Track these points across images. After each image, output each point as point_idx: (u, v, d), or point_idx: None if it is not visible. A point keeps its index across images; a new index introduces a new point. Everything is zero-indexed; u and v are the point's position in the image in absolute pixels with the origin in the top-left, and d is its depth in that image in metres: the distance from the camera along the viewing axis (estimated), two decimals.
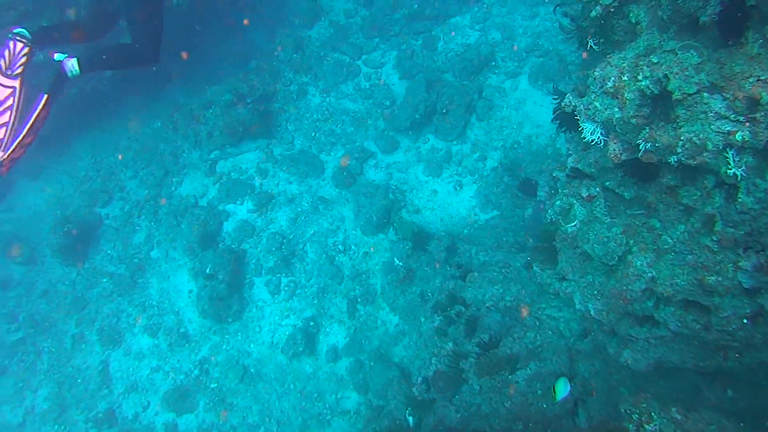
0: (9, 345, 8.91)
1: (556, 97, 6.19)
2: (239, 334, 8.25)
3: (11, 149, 5.82)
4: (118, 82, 9.60)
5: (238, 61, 10.47)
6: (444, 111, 8.76)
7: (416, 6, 10.13)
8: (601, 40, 4.87)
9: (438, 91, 8.85)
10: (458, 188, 8.50)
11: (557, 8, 5.41)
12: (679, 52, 4.03)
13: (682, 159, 3.98)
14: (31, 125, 5.90)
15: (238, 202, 8.99)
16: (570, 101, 4.90)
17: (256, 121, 9.21)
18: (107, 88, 9.49)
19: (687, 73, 3.93)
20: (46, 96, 5.93)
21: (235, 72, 10.21)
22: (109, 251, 9.20)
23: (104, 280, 8.98)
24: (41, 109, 5.93)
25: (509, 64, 9.35)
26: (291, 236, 8.62)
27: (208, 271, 8.23)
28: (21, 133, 5.82)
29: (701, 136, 3.84)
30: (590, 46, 4.94)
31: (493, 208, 8.21)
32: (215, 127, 9.18)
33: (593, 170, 5.21)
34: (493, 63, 9.40)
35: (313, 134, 9.40)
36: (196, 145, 9.53)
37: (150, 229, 9.16)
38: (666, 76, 3.95)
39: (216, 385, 8.04)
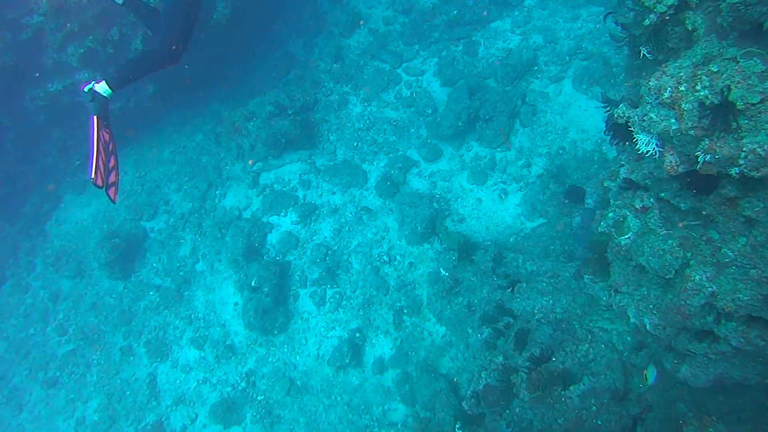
0: (60, 357, 9.07)
1: (605, 105, 6.02)
2: (285, 346, 8.24)
3: (93, 175, 5.95)
4: (161, 97, 9.68)
5: (278, 73, 10.50)
6: (487, 118, 8.64)
7: (455, 12, 10.03)
8: (655, 49, 4.71)
9: (480, 97, 8.74)
10: (503, 196, 8.37)
11: (607, 16, 5.23)
12: (741, 60, 3.86)
13: (745, 171, 3.79)
14: (97, 148, 6.00)
15: (281, 213, 9.00)
16: (623, 112, 4.73)
17: (298, 133, 9.19)
18: (150, 104, 9.58)
19: (750, 81, 3.75)
20: (95, 117, 5.99)
21: (276, 84, 10.26)
22: (154, 264, 9.30)
23: (151, 293, 9.08)
24: (97, 131, 6.02)
25: (552, 68, 9.18)
26: (335, 247, 8.58)
27: (253, 283, 8.24)
28: (92, 158, 5.93)
29: (766, 147, 3.67)
30: (643, 54, 4.78)
31: (540, 216, 8.06)
32: (257, 139, 9.20)
33: (647, 181, 5.04)
34: (536, 67, 9.24)
35: (355, 144, 9.37)
36: (239, 158, 9.57)
37: (195, 242, 9.23)
38: (727, 86, 3.79)
39: (263, 397, 8.03)
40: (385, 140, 9.29)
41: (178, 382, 8.42)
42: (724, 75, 3.85)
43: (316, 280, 8.40)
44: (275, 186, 9.25)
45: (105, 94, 5.88)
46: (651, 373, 5.20)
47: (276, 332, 8.29)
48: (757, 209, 4.15)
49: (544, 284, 6.86)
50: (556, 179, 8.09)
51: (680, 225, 4.84)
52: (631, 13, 4.67)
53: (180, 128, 10.37)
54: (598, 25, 9.42)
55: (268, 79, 10.47)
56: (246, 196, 9.32)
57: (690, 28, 4.35)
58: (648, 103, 4.43)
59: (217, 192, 9.51)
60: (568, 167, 8.17)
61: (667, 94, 4.18)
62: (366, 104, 9.79)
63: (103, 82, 5.87)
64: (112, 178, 6.33)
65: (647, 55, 4.79)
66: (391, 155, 9.09)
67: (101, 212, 10.04)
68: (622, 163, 5.35)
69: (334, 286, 8.37)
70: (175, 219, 9.52)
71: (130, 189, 10.01)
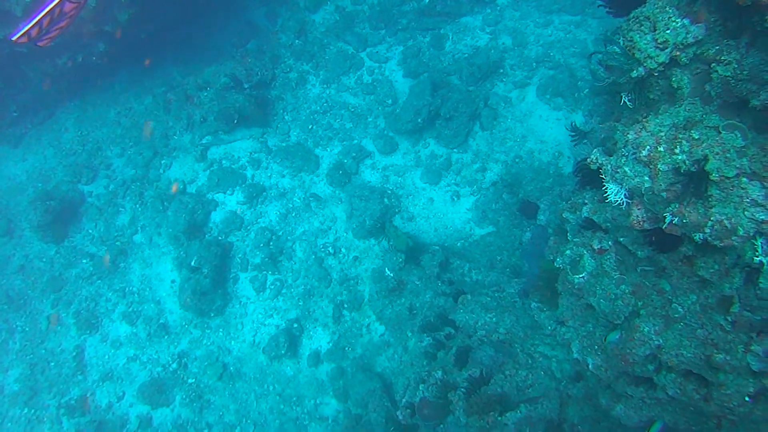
0: None
1: (573, 134, 5.97)
2: (221, 330, 8.07)
3: (24, 29, 5.68)
4: (112, 55, 9.19)
5: (238, 40, 10.09)
6: (448, 117, 8.50)
7: (427, 1, 9.78)
8: (636, 98, 4.68)
9: (443, 95, 8.58)
10: (455, 199, 8.30)
11: (592, 56, 5.14)
12: (723, 132, 3.87)
13: (709, 238, 3.83)
14: (40, 19, 5.73)
15: (228, 192, 8.73)
16: (596, 158, 4.70)
17: (252, 109, 8.89)
18: (99, 61, 9.08)
19: (728, 155, 3.78)
20: None
21: (234, 53, 9.87)
22: (90, 231, 8.95)
23: (84, 260, 8.74)
24: (53, 7, 5.74)
25: (518, 72, 9.08)
26: (280, 233, 8.40)
27: (193, 263, 8.00)
28: (29, 22, 5.67)
29: (733, 220, 3.71)
30: (624, 101, 4.73)
31: (490, 224, 8.03)
32: (210, 111, 8.87)
33: (608, 224, 5.03)
34: (501, 70, 9.12)
35: (310, 127, 9.12)
36: (189, 128, 9.22)
37: (135, 212, 8.91)
38: (706, 155, 3.79)
39: (194, 380, 7.88)
40: (341, 126, 9.07)
41: (106, 357, 8.17)
42: (704, 144, 3.87)
43: (257, 265, 8.22)
44: (224, 162, 8.96)
45: None
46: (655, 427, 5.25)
47: (212, 315, 8.11)
48: (711, 271, 4.22)
49: (489, 299, 6.85)
50: (510, 189, 8.06)
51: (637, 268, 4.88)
52: (619, 58, 4.59)
53: (128, 88, 9.91)
54: (568, 35, 9.33)
55: (227, 45, 10.06)
56: (192, 169, 9.00)
57: (675, 86, 4.33)
58: (623, 155, 4.42)
59: (163, 161, 9.15)
60: (523, 177, 8.12)
61: (645, 152, 4.19)
62: (325, 86, 9.51)
63: None
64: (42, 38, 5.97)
65: (627, 103, 4.77)
66: (345, 143, 8.89)
67: (37, 169, 9.56)
68: (585, 201, 5.31)
69: (276, 273, 8.21)
70: (116, 185, 9.14)
71: (70, 148, 9.56)
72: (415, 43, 9.68)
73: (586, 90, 8.71)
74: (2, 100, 9.62)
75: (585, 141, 6.47)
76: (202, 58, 9.83)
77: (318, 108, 9.28)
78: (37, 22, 5.68)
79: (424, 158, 8.63)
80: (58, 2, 5.67)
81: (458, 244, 8.04)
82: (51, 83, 9.46)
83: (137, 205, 8.91)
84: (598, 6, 5.12)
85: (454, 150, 8.62)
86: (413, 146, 8.74)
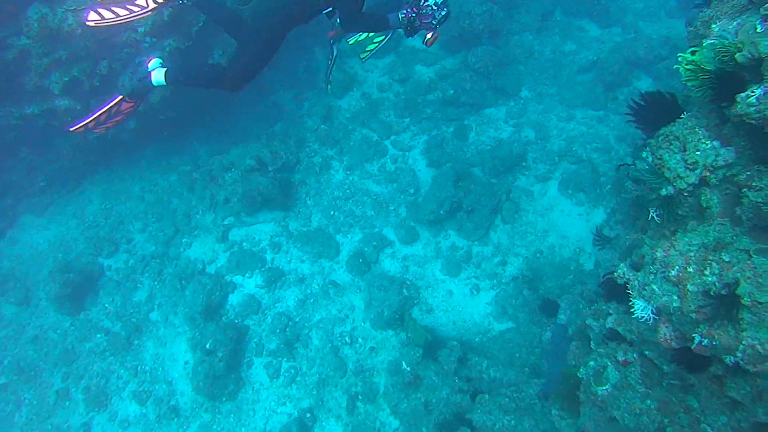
0: None
1: (598, 239, 5.98)
2: (232, 415, 7.92)
3: (83, 122, 5.82)
4: (141, 131, 9.36)
5: (264, 122, 10.28)
6: (470, 209, 8.55)
7: (451, 91, 9.97)
8: (665, 214, 4.69)
9: (465, 187, 8.64)
10: (475, 292, 8.25)
11: (621, 167, 5.20)
12: (755, 256, 3.84)
13: (741, 362, 3.77)
14: (99, 114, 5.82)
15: (247, 274, 8.72)
16: (624, 273, 4.69)
17: (276, 192, 8.97)
18: (128, 137, 9.25)
19: (761, 279, 3.74)
20: (120, 97, 5.83)
21: (260, 133, 10.02)
22: (107, 305, 8.91)
23: (98, 335, 8.67)
24: (112, 106, 5.85)
25: (540, 166, 9.16)
26: (297, 319, 8.34)
27: (208, 346, 7.93)
28: (93, 114, 5.79)
29: (766, 345, 3.64)
30: (652, 216, 4.75)
31: (509, 320, 7.95)
32: (233, 192, 8.95)
33: (634, 337, 4.98)
34: (524, 163, 9.21)
35: (331, 212, 9.17)
36: (212, 208, 9.29)
37: (152, 289, 8.88)
38: (737, 279, 3.76)
39: None
40: (362, 213, 9.12)
41: None
42: (735, 267, 3.83)
43: (272, 351, 8.13)
44: (244, 244, 8.98)
45: (155, 83, 5.68)
46: None
47: (224, 399, 7.97)
48: (743, 392, 4.11)
49: (507, 400, 6.72)
50: (531, 284, 8.01)
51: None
52: (650, 174, 4.62)
53: (155, 164, 10.05)
54: (590, 130, 9.44)
55: (254, 127, 10.23)
56: (213, 249, 9.02)
57: (704, 205, 4.34)
58: (652, 273, 4.40)
59: (184, 240, 9.19)
60: (543, 273, 8.08)
61: (674, 272, 4.17)
62: (349, 172, 9.61)
63: (163, 71, 5.66)
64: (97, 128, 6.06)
65: (656, 218, 4.77)
66: (366, 231, 8.91)
67: (59, 239, 9.61)
68: (610, 311, 5.26)
69: (291, 360, 8.10)
70: (136, 260, 9.16)
71: (93, 220, 9.64)
72: (438, 132, 9.82)
73: (609, 186, 8.75)
74: (32, 170, 9.77)
75: (609, 246, 6.48)
76: (229, 138, 9.99)
77: (340, 194, 9.35)
78: (94, 118, 5.82)
79: (445, 250, 8.63)
80: (117, 102, 5.82)
81: (476, 339, 7.94)
82: (80, 156, 9.65)
83: (155, 282, 8.91)
84: (625, 115, 5.16)
85: (475, 243, 8.62)
86: (434, 237, 8.75)
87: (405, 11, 5.20)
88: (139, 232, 9.44)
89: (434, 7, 5.17)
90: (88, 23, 5.52)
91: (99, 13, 5.54)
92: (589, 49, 10.68)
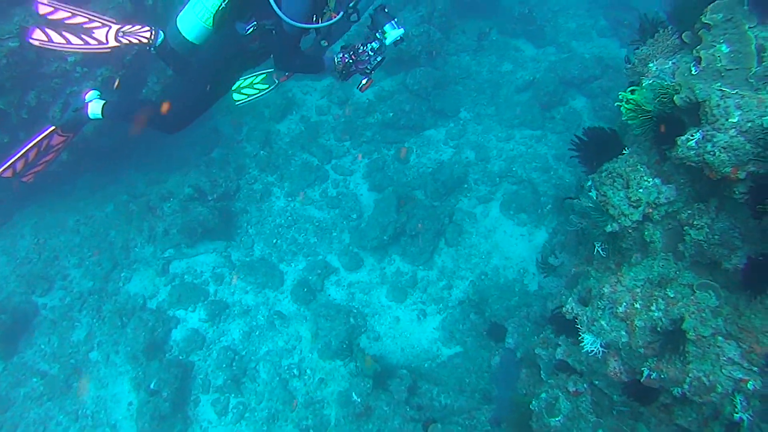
0: None
1: (543, 267, 6.06)
2: None
3: (10, 161, 5.57)
4: (74, 163, 9.04)
5: (202, 148, 10.07)
6: (413, 233, 8.56)
7: (391, 114, 9.97)
8: (609, 248, 4.80)
9: (408, 211, 8.66)
10: (422, 317, 8.26)
11: (565, 200, 5.28)
12: (698, 292, 4.00)
13: (688, 394, 3.91)
14: (28, 149, 5.59)
15: (189, 308, 8.51)
16: (572, 309, 4.78)
17: (216, 222, 8.80)
18: (60, 170, 8.92)
19: (704, 314, 3.92)
20: (52, 128, 5.60)
21: (198, 159, 9.83)
22: (42, 346, 8.55)
23: (34, 379, 8.31)
24: (42, 138, 5.60)
25: (482, 187, 9.25)
26: (243, 352, 8.18)
27: (152, 385, 7.71)
28: (20, 150, 5.56)
29: (711, 378, 3.80)
30: (597, 251, 4.84)
31: (457, 344, 7.98)
32: (173, 224, 8.75)
33: (583, 368, 5.07)
34: (466, 185, 9.29)
35: (274, 241, 9.05)
36: (151, 240, 9.04)
37: (91, 327, 8.57)
38: (681, 315, 3.90)
39: None
40: (305, 241, 9.03)
41: None
42: (680, 303, 3.98)
43: (219, 387, 7.94)
44: (186, 277, 8.77)
45: (91, 116, 5.46)
46: None
47: None
48: (690, 419, 4.26)
49: (459, 428, 6.76)
50: (477, 308, 8.07)
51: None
52: (593, 212, 4.71)
53: (89, 195, 9.72)
54: (529, 149, 9.59)
55: (191, 153, 10.02)
56: (153, 283, 8.78)
57: (647, 239, 4.45)
58: (599, 308, 4.51)
59: (123, 274, 8.91)
60: (489, 295, 8.15)
61: (621, 309, 4.30)
62: (290, 199, 9.50)
63: (101, 104, 5.44)
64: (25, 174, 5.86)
65: (601, 252, 4.87)
66: (310, 258, 8.82)
67: None
68: (559, 343, 5.34)
69: (239, 395, 7.94)
70: (72, 298, 8.82)
71: (25, 256, 9.24)
72: (380, 156, 9.81)
73: (549, 206, 8.89)
74: None
75: (554, 274, 6.57)
76: (166, 165, 9.76)
77: (283, 221, 9.24)
78: (23, 154, 5.56)
79: (390, 275, 8.61)
80: (47, 135, 5.59)
81: (426, 365, 7.95)
82: (9, 188, 9.25)
83: (94, 320, 8.60)
84: (568, 150, 5.22)
85: (420, 267, 8.64)
86: (378, 263, 8.73)
87: (341, 55, 5.14)
88: (75, 268, 9.11)
89: (371, 53, 5.13)
90: (31, 41, 5.24)
91: (47, 34, 5.26)
92: (526, 69, 10.86)
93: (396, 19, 5.12)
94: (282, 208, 9.42)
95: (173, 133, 5.51)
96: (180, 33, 5.12)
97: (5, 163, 5.62)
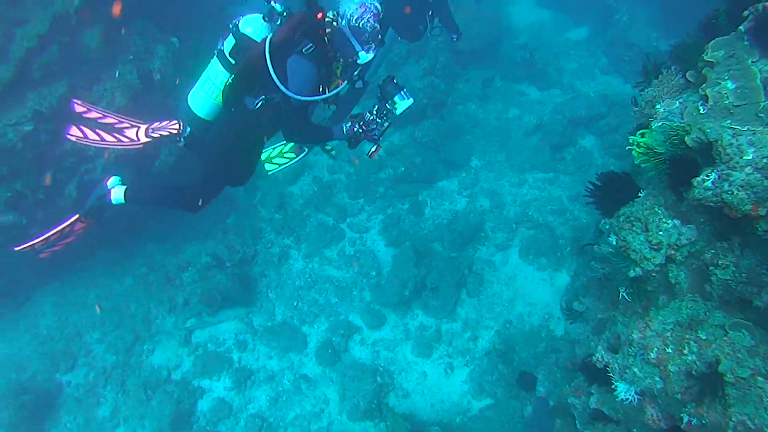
0: None
1: (568, 314, 5.98)
2: None
3: (32, 242, 5.72)
4: (91, 239, 9.09)
5: (217, 216, 10.12)
6: (434, 286, 8.51)
7: (402, 168, 10.01)
8: (634, 292, 4.73)
9: (427, 264, 8.64)
10: (449, 371, 8.14)
11: (585, 246, 5.26)
12: (730, 332, 3.90)
13: None
14: (50, 235, 5.70)
15: (214, 377, 8.44)
16: (602, 357, 4.68)
17: (236, 288, 8.80)
18: (80, 247, 8.96)
19: (740, 355, 3.79)
20: (75, 217, 5.67)
21: (214, 227, 9.87)
22: (68, 425, 8.49)
23: None
24: (66, 226, 5.71)
25: (499, 235, 9.22)
26: (271, 419, 8.07)
27: None
28: (43, 235, 5.68)
29: (756, 421, 3.65)
30: (622, 295, 4.77)
31: (487, 396, 7.84)
32: (192, 293, 8.76)
33: (619, 415, 4.95)
34: (482, 233, 9.26)
35: (295, 303, 9.01)
36: (171, 311, 9.04)
37: (116, 402, 8.51)
38: (717, 356, 3.80)
39: None
40: (326, 301, 8.98)
41: None
42: (714, 345, 3.87)
43: None
44: (209, 346, 8.73)
45: (114, 202, 5.53)
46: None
47: None
48: None
49: None
50: (505, 357, 7.95)
51: None
52: (613, 258, 4.66)
53: (108, 270, 9.75)
54: (543, 192, 9.59)
55: (206, 221, 10.07)
56: (176, 354, 8.74)
57: (673, 281, 4.37)
58: (630, 355, 4.41)
59: (145, 347, 8.88)
60: (515, 343, 8.06)
61: (653, 354, 4.19)
62: (308, 260, 9.50)
63: (123, 189, 5.52)
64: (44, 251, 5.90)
65: (626, 297, 4.80)
66: (332, 319, 8.76)
67: (10, 358, 9.16)
68: (592, 391, 5.23)
69: None
70: (96, 373, 8.78)
71: (47, 334, 9.25)
72: (394, 211, 9.82)
73: (568, 248, 8.84)
74: None
75: (580, 320, 6.48)
76: (183, 234, 9.81)
77: (302, 283, 9.22)
78: (44, 239, 5.66)
79: (414, 330, 8.53)
80: (72, 222, 5.68)
81: (457, 420, 7.80)
82: (28, 267, 9.31)
83: (119, 395, 8.55)
84: (584, 196, 5.18)
85: (443, 320, 8.56)
86: (401, 319, 8.66)
87: (350, 124, 5.19)
88: (97, 343, 9.09)
89: (379, 120, 5.18)
90: (69, 137, 5.48)
91: (82, 131, 5.50)
92: (532, 112, 10.91)
93: (405, 90, 5.18)
94: (300, 270, 9.40)
95: (196, 212, 5.58)
96: (192, 111, 5.23)
97: (26, 244, 5.71)
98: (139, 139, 5.52)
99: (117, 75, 8.35)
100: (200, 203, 5.48)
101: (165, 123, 5.43)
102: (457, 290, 8.65)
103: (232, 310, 8.94)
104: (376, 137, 5.27)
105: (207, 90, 5.11)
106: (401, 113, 5.23)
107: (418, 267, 8.57)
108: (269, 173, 6.18)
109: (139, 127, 5.57)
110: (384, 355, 8.39)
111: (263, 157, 6.07)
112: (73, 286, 9.73)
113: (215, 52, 5.11)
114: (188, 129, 5.35)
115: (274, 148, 6.19)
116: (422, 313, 8.67)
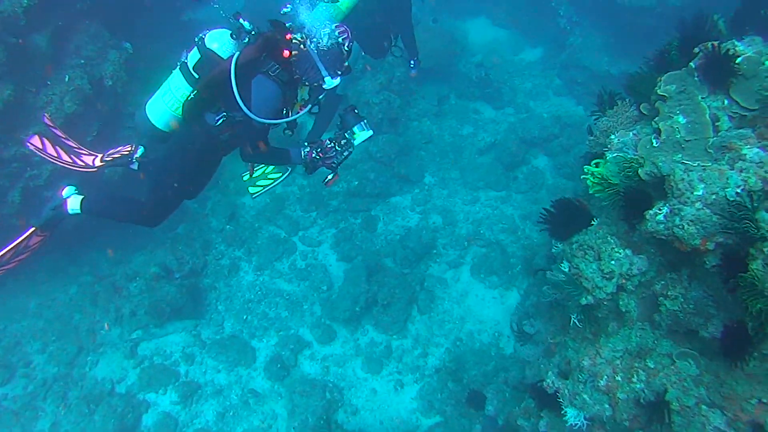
0: None
1: (519, 335, 6.07)
2: None
3: None
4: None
5: (167, 224, 9.86)
6: (385, 303, 8.53)
7: (356, 182, 10.01)
8: (585, 318, 4.84)
9: (379, 280, 8.66)
10: (399, 388, 8.16)
11: (537, 272, 5.33)
12: (677, 361, 4.03)
13: None
14: (6, 252, 5.49)
15: (160, 391, 8.27)
16: (552, 383, 4.77)
17: (185, 300, 8.66)
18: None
19: (685, 384, 3.95)
20: (32, 229, 5.52)
21: (163, 236, 9.68)
22: None
23: None
24: (22, 240, 5.54)
25: (451, 252, 9.30)
26: None
27: None
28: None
29: None
30: (573, 322, 4.87)
31: (437, 414, 7.87)
32: (140, 304, 8.59)
33: None
34: (435, 250, 9.32)
35: (244, 317, 8.92)
36: (117, 322, 8.81)
37: (57, 416, 8.25)
38: (664, 385, 3.93)
39: None
40: (276, 315, 8.91)
41: None
42: (661, 374, 4.00)
43: None
44: (155, 358, 8.55)
45: (70, 212, 5.39)
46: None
47: None
48: None
49: None
50: (455, 376, 8.00)
51: None
52: (566, 286, 4.75)
53: (51, 277, 9.47)
54: (495, 211, 9.71)
55: (156, 230, 9.83)
56: (121, 366, 8.53)
57: (623, 309, 4.49)
58: (580, 382, 4.51)
59: (89, 358, 8.65)
60: (465, 361, 8.12)
61: (603, 382, 4.31)
62: (258, 273, 9.41)
63: (80, 199, 5.37)
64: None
65: (577, 323, 4.90)
66: (282, 333, 8.70)
67: None
68: (542, 415, 5.32)
69: None
70: (36, 386, 8.50)
71: None
72: (347, 225, 9.81)
73: (519, 267, 8.96)
74: None
75: (530, 342, 6.57)
76: (132, 243, 9.60)
77: (252, 296, 9.13)
78: (2, 255, 5.48)
79: (364, 346, 8.52)
80: (27, 236, 5.52)
81: None
82: None
83: (60, 408, 8.29)
84: (537, 223, 5.25)
85: (394, 336, 8.57)
86: (352, 334, 8.64)
87: (308, 150, 5.14)
88: (38, 353, 8.81)
89: (338, 149, 5.14)
90: (28, 144, 5.54)
91: (43, 143, 5.52)
92: (486, 131, 11.05)
93: (365, 121, 5.17)
94: (251, 283, 9.31)
95: (153, 227, 5.51)
96: (149, 120, 5.13)
97: None
98: (94, 165, 5.54)
99: (66, 79, 8.15)
100: (156, 219, 5.41)
101: (119, 148, 5.47)
102: (408, 307, 8.68)
103: (180, 323, 8.78)
104: (334, 165, 5.24)
105: (167, 101, 5.01)
106: (359, 144, 5.22)
107: (370, 282, 8.58)
108: (254, 197, 6.07)
109: (96, 156, 5.59)
110: (334, 370, 8.36)
111: (245, 179, 6.00)
112: (13, 294, 9.41)
113: (178, 64, 5.03)
114: (141, 149, 5.30)
115: (257, 169, 6.07)
116: (373, 329, 8.67)
